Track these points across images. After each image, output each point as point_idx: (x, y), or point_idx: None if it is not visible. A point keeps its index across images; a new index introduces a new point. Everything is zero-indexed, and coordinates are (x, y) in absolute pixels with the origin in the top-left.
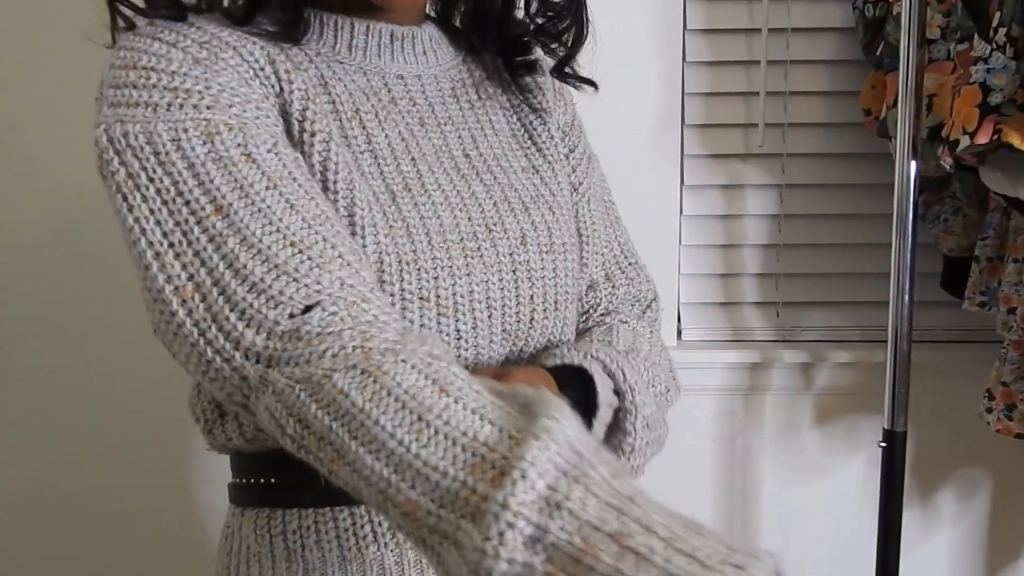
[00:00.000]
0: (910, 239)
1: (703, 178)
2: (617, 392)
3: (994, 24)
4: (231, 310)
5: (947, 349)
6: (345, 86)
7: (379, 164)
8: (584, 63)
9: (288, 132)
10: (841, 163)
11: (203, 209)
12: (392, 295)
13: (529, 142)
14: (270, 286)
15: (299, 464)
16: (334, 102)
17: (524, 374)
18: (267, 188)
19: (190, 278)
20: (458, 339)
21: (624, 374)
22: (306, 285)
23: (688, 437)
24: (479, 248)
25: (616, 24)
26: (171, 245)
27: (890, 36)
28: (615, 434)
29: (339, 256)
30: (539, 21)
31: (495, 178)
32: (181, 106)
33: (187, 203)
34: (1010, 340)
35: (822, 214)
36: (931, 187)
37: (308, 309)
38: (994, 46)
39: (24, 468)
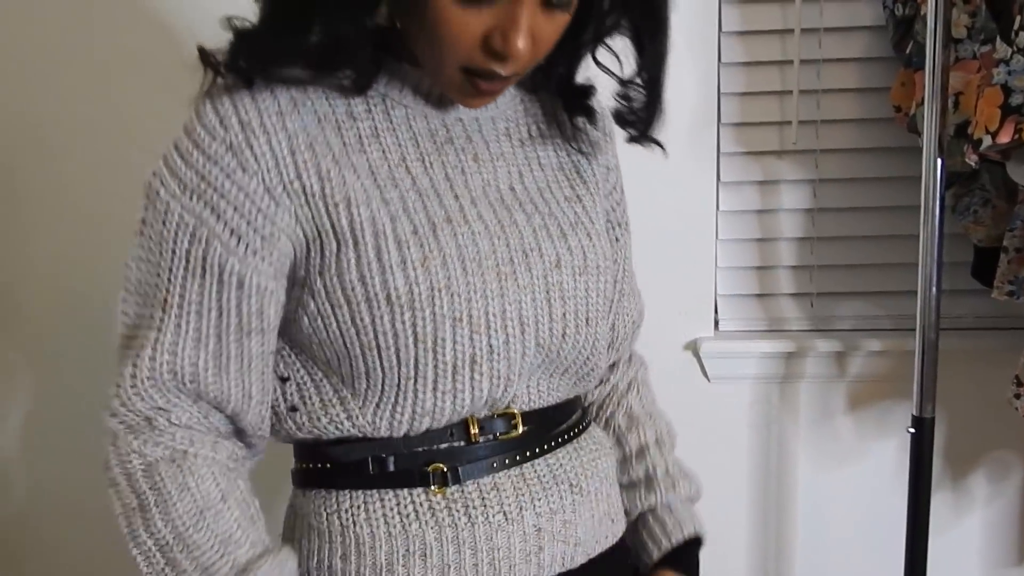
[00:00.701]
0: (937, 232)
1: (739, 175)
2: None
3: (1015, 27)
4: (130, 367)
5: (977, 337)
6: (397, 137)
7: (423, 200)
8: (623, 67)
9: (309, 204)
10: (873, 158)
11: (158, 290)
12: (424, 318)
13: (575, 173)
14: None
15: (350, 452)
16: (384, 151)
17: None
18: (196, 312)
19: (126, 324)
20: (491, 353)
21: (681, 515)
22: (175, 404)
23: (725, 424)
24: (514, 271)
25: None
26: (135, 292)
27: (919, 35)
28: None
29: (213, 397)
30: (620, 102)
31: (536, 207)
32: (199, 197)
33: (158, 275)
34: None
35: (854, 207)
36: (961, 180)
37: (162, 411)
38: (1015, 48)
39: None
